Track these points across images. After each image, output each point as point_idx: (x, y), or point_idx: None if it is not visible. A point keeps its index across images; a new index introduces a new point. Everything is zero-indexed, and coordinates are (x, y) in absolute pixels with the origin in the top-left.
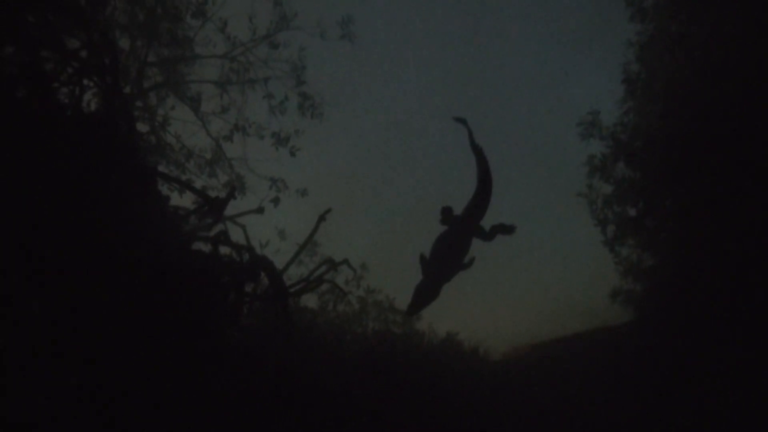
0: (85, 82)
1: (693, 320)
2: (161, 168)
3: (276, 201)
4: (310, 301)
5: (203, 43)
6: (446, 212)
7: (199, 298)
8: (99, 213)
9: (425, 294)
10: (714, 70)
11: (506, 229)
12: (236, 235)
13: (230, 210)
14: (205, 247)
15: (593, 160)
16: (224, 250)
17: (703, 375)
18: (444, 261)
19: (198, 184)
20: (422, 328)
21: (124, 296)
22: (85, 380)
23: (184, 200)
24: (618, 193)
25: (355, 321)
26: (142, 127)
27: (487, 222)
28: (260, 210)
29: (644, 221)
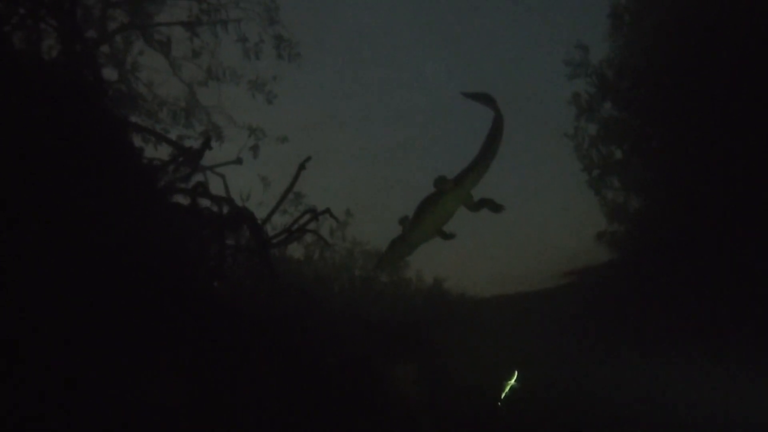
0: (42, 25)
1: (677, 260)
2: (133, 118)
3: (255, 149)
4: (296, 251)
5: None
6: (440, 179)
7: (179, 252)
8: (66, 169)
9: (399, 250)
10: (705, 9)
11: (494, 207)
12: (216, 185)
13: (208, 160)
14: (183, 200)
15: (579, 99)
16: (204, 202)
17: (686, 313)
18: (425, 222)
19: (173, 134)
20: (410, 276)
21: (100, 255)
22: (72, 343)
23: (160, 153)
24: (604, 133)
25: (342, 269)
26: (109, 75)
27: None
28: (239, 161)
29: (630, 162)
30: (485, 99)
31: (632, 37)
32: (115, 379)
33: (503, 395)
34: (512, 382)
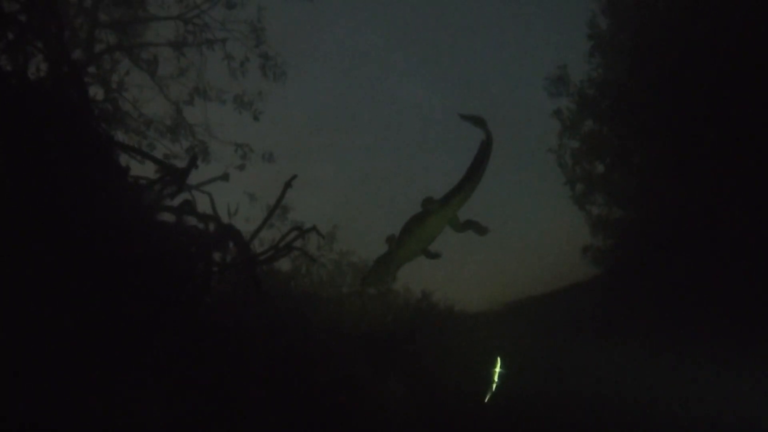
0: (29, 48)
1: (660, 273)
2: (119, 137)
3: (242, 168)
4: (283, 265)
5: (156, 3)
6: (427, 200)
7: (166, 270)
8: (53, 188)
9: (384, 269)
10: (680, 23)
11: (479, 229)
12: (202, 203)
13: (195, 177)
14: (170, 218)
15: (563, 119)
16: (191, 219)
17: (670, 325)
18: (411, 241)
19: (159, 151)
20: (397, 289)
21: (87, 273)
22: (54, 361)
23: (146, 169)
24: (586, 148)
25: (330, 283)
26: (96, 94)
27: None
28: (225, 177)
29: (612, 177)
30: (478, 121)
31: (611, 56)
32: (103, 394)
33: (493, 384)
34: (497, 369)
